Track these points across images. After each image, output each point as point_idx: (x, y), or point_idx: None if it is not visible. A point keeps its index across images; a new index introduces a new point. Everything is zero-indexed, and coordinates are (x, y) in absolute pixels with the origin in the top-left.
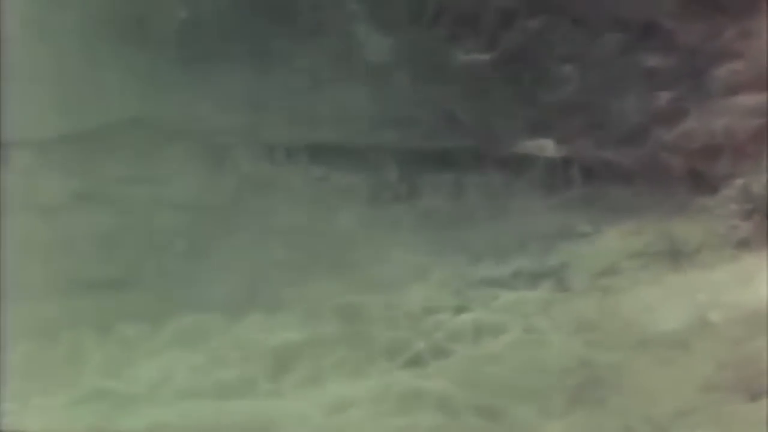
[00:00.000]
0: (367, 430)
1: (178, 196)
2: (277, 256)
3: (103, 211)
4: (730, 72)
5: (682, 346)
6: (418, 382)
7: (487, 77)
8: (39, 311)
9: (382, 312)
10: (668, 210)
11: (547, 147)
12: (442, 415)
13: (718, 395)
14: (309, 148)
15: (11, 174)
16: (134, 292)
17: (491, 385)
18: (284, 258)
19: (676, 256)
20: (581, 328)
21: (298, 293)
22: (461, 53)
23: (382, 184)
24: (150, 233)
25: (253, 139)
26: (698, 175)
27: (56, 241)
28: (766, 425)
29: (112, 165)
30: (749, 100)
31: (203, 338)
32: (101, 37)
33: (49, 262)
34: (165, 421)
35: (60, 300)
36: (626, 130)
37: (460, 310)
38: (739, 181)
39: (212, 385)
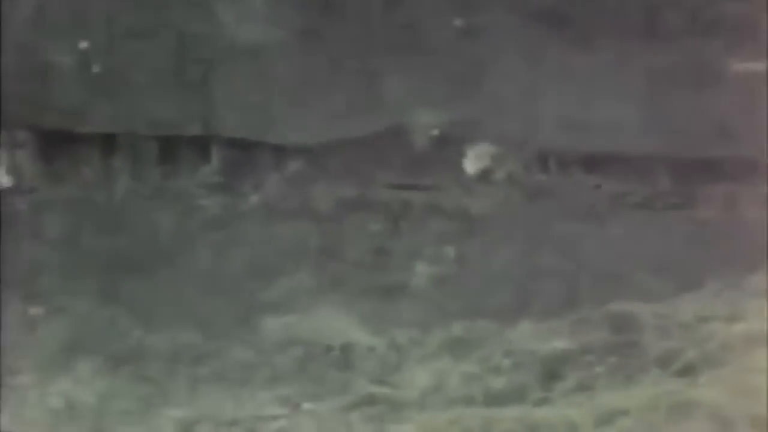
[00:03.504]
0: None
1: (450, 203)
2: (548, 264)
3: (374, 217)
4: None
5: None
6: (690, 391)
7: (762, 87)
8: (309, 318)
9: (654, 321)
10: None
11: None
12: (714, 425)
13: None
14: (582, 157)
15: (285, 180)
16: (406, 299)
17: (763, 396)
18: (556, 266)
19: None
20: None
21: (570, 301)
22: (736, 62)
23: (655, 194)
24: (421, 240)
25: (527, 147)
26: None
27: (327, 246)
28: None
29: (383, 172)
30: None
31: (474, 346)
32: (377, 45)
33: (320, 268)
34: (435, 427)
35: (334, 306)
36: None
37: (732, 319)
38: None
39: (483, 392)
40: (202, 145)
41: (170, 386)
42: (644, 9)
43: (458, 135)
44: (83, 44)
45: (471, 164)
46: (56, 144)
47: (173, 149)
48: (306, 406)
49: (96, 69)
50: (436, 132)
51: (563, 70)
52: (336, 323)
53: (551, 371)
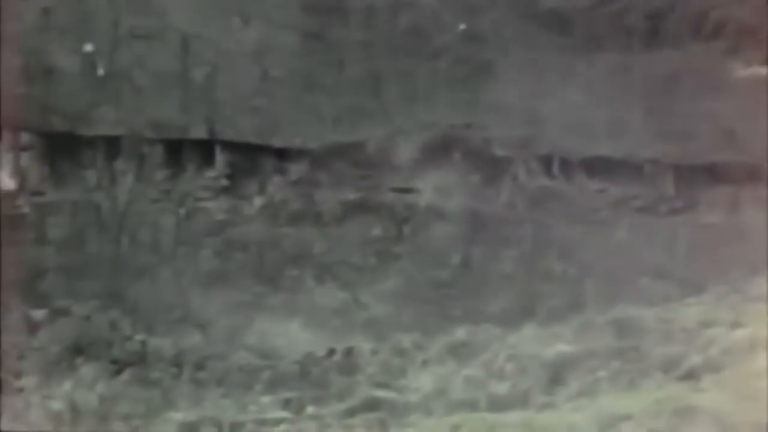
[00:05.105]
0: None
1: (454, 207)
2: (552, 269)
3: (378, 221)
4: None
5: None
6: (692, 396)
7: (765, 92)
8: (312, 321)
9: (657, 326)
10: None
11: None
12: (716, 429)
13: None
14: (586, 161)
15: (288, 183)
16: (409, 303)
17: (765, 400)
18: (560, 270)
19: None
20: None
21: (573, 306)
22: (739, 67)
23: (659, 198)
24: (425, 244)
25: (531, 151)
26: None
27: (330, 250)
28: None
29: (387, 175)
30: None
31: (478, 350)
32: (381, 49)
33: (324, 272)
34: None
35: (337, 310)
36: None
37: (735, 325)
38: None
39: (486, 396)
40: (206, 148)
41: (173, 390)
42: (647, 14)
43: (462, 138)
44: (88, 47)
45: (476, 167)
46: (61, 147)
47: (177, 152)
48: (309, 409)
49: (101, 72)
50: (439, 135)
51: (567, 74)
52: (339, 326)
53: (555, 376)
